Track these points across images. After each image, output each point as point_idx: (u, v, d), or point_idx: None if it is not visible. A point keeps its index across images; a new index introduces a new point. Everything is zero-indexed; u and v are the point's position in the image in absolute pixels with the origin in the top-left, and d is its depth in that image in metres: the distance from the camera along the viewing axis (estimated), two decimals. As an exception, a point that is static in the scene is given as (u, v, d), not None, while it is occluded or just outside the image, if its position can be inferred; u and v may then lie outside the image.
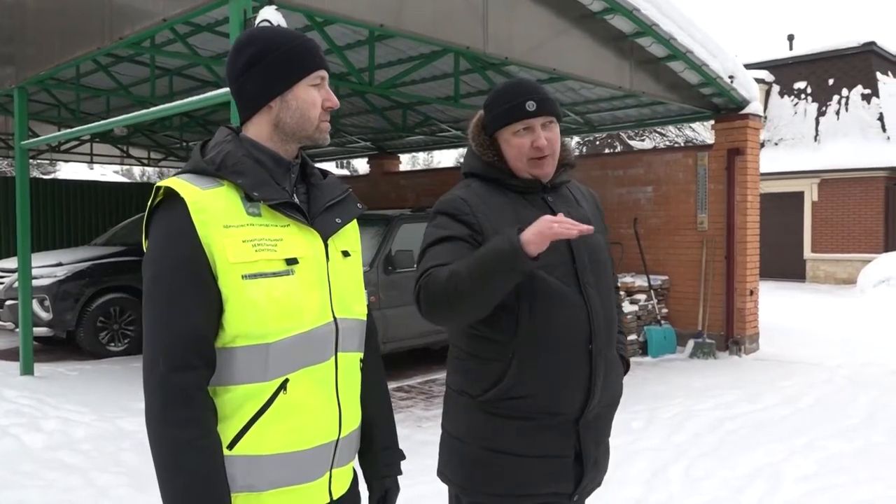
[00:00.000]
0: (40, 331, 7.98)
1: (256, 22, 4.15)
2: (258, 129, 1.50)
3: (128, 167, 32.75)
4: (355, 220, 1.63)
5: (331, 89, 1.54)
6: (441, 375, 7.49)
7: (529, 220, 1.89)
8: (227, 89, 4.70)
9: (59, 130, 11.82)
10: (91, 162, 15.92)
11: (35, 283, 7.79)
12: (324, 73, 1.52)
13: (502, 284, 1.69)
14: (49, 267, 8.33)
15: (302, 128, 1.50)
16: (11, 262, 8.55)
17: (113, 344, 8.37)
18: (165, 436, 1.34)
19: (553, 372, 1.84)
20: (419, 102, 9.97)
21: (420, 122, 11.05)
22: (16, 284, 7.69)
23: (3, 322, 8.29)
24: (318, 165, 1.63)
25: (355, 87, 7.45)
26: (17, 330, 7.57)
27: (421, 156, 44.87)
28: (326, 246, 1.51)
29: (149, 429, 1.36)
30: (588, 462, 1.92)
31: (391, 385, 6.92)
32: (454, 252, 1.82)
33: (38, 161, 21.35)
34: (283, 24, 4.12)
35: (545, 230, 1.64)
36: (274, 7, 4.17)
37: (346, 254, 1.57)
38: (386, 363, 7.21)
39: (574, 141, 22.97)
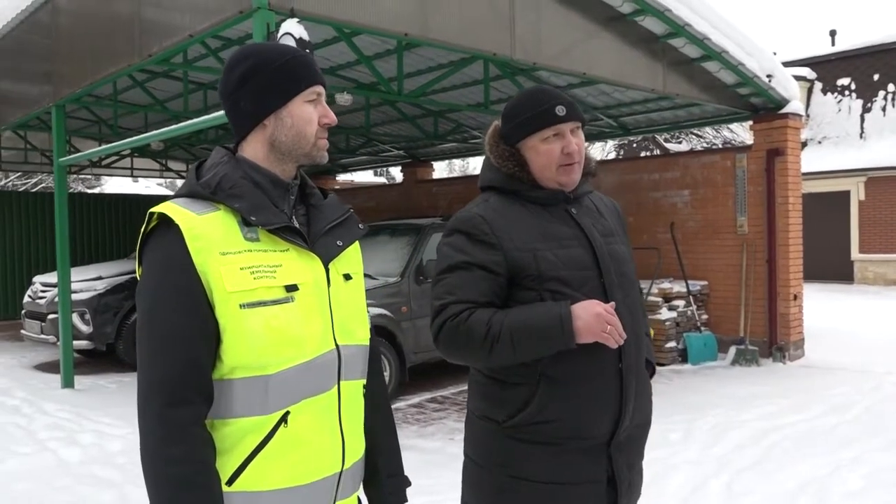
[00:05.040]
0: (81, 344, 8.11)
1: (279, 35, 4.15)
2: (254, 150, 1.44)
3: (170, 180, 33.47)
4: (357, 242, 1.56)
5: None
6: (475, 385, 7.39)
7: (555, 234, 1.84)
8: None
9: (99, 146, 12.08)
10: (132, 176, 16.25)
11: (75, 296, 7.93)
12: (320, 88, 1.46)
13: (540, 356, 1.73)
14: (89, 281, 8.48)
15: (298, 146, 1.44)
16: (53, 277, 8.73)
17: (151, 356, 8.46)
18: (162, 473, 1.28)
19: (582, 394, 1.76)
20: (450, 110, 9.94)
21: (451, 130, 11.00)
22: (57, 298, 7.83)
23: (46, 335, 8.46)
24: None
25: (384, 97, 7.43)
26: (59, 343, 7.70)
27: (457, 162, 44.90)
28: (327, 270, 1.45)
29: (144, 465, 1.31)
30: (622, 487, 1.83)
31: (424, 396, 6.86)
32: (474, 284, 1.77)
33: (82, 176, 21.90)
34: (305, 36, 4.11)
35: (599, 332, 1.66)
36: (296, 20, 4.15)
37: (347, 277, 1.51)
38: (418, 374, 7.11)
39: (609, 144, 22.69)
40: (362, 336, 1.53)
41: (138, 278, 1.38)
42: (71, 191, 19.28)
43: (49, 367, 8.50)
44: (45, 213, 12.98)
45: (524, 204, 1.87)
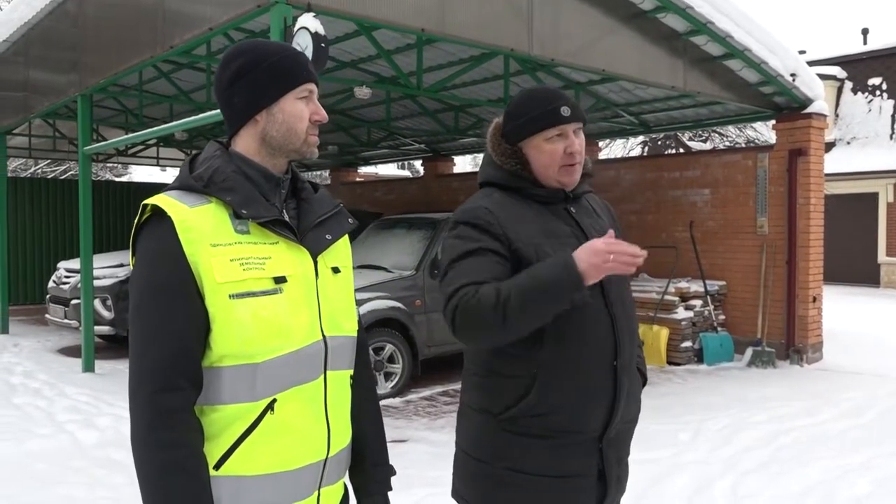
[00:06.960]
0: (102, 329, 8.28)
1: (295, 29, 4.20)
2: (246, 144, 1.48)
3: (195, 169, 33.79)
4: (346, 235, 1.60)
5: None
6: (488, 380, 7.42)
7: (555, 231, 1.86)
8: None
9: (125, 135, 12.26)
10: (158, 165, 16.47)
11: (97, 283, 8.09)
12: (312, 86, 1.49)
13: (554, 312, 1.66)
14: (111, 267, 8.64)
15: (289, 141, 1.47)
16: (77, 263, 8.89)
17: (170, 343, 8.60)
18: (150, 458, 1.33)
19: (578, 388, 1.78)
20: (470, 105, 9.94)
21: (472, 125, 11.00)
22: (80, 284, 7.99)
23: (69, 320, 8.64)
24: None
25: (404, 91, 7.46)
26: (81, 328, 7.86)
27: (482, 157, 44.82)
28: (316, 263, 1.49)
29: (134, 450, 1.35)
30: (611, 481, 1.86)
31: (435, 390, 6.91)
32: (487, 267, 1.75)
33: (110, 164, 22.23)
34: (321, 30, 4.16)
35: (601, 264, 1.59)
36: (312, 14, 4.20)
37: (336, 270, 1.55)
38: (430, 367, 7.15)
39: (632, 142, 22.52)
40: (349, 328, 1.56)
41: (131, 268, 1.43)
42: (98, 179, 19.63)
43: (71, 352, 8.69)
44: (72, 201, 13.19)
45: (526, 201, 1.89)
